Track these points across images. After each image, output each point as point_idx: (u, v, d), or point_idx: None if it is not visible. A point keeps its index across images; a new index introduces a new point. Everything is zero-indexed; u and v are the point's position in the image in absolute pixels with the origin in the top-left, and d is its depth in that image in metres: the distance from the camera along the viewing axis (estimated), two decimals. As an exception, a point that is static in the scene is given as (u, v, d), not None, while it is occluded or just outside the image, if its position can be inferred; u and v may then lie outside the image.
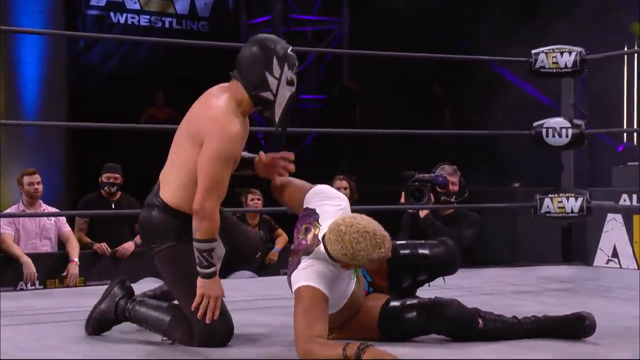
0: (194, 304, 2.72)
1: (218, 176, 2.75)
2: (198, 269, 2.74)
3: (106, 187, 6.17)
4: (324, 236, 2.63)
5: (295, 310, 2.61)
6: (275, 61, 2.84)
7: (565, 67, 5.00)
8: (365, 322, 2.83)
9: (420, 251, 2.96)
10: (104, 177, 6.19)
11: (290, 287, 2.69)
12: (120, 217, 6.14)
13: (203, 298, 2.72)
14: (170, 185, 2.88)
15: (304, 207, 2.83)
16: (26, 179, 5.80)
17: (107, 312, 2.97)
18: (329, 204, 2.78)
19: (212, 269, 2.74)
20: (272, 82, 2.83)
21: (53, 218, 5.89)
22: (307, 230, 2.71)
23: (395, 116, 9.50)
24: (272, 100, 2.85)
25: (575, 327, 2.92)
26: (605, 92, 9.54)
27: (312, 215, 2.75)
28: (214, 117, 2.78)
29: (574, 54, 5.00)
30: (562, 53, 4.98)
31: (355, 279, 2.80)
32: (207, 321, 2.72)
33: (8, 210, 6.09)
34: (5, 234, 5.65)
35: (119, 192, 6.21)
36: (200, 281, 2.73)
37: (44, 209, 5.90)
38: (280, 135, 2.95)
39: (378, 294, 2.93)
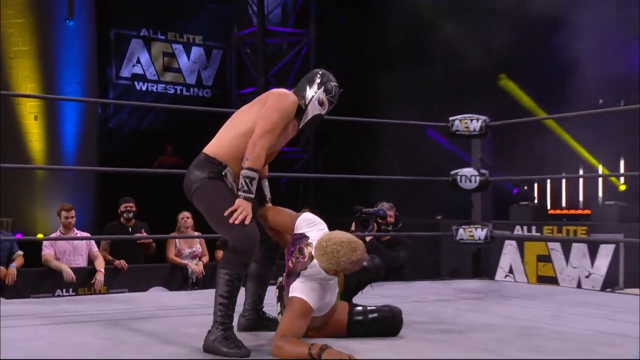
0: (229, 210, 2.59)
1: (274, 124, 2.70)
2: (240, 192, 2.63)
3: (125, 214, 6.10)
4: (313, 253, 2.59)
5: (285, 313, 2.56)
6: (317, 80, 2.83)
7: (474, 130, 5.06)
8: (337, 326, 2.77)
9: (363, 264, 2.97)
10: (122, 207, 6.12)
11: (287, 300, 2.63)
12: (133, 240, 6.06)
13: (239, 208, 2.60)
14: (217, 141, 2.78)
15: (294, 232, 2.75)
16: (64, 214, 5.73)
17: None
18: (315, 229, 2.72)
19: (250, 195, 2.63)
20: (309, 94, 2.81)
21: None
22: (301, 250, 2.64)
23: (352, 163, 9.57)
24: (303, 109, 2.81)
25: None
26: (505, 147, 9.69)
27: (303, 238, 2.68)
28: (277, 90, 2.84)
29: (480, 120, 5.06)
30: (471, 120, 5.05)
31: (338, 288, 2.75)
32: (237, 222, 2.57)
33: (51, 236, 6.01)
34: (48, 253, 5.58)
35: (134, 220, 6.15)
36: (239, 200, 2.62)
37: (76, 233, 5.82)
38: (299, 139, 2.91)
39: (341, 302, 2.88)
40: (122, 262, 5.79)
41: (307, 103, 2.81)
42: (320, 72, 2.87)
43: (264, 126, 2.68)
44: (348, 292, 2.94)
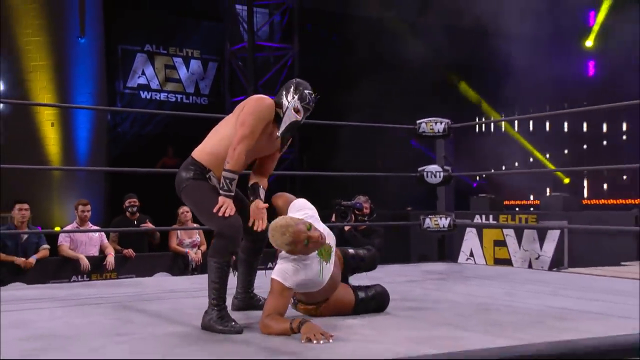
0: (217, 207, 2.57)
1: (252, 128, 2.61)
2: (221, 191, 2.58)
3: (129, 209, 6.06)
4: None
5: (268, 294, 2.53)
6: (292, 91, 2.72)
7: (438, 132, 5.05)
8: (344, 305, 2.76)
9: (361, 252, 2.97)
10: (126, 203, 6.08)
11: None
12: (139, 231, 6.02)
13: (223, 204, 2.58)
14: (203, 147, 2.73)
15: None
16: (80, 207, 5.68)
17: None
18: (300, 214, 2.66)
19: (230, 193, 2.59)
20: (285, 103, 2.71)
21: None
22: None
23: (332, 162, 9.56)
24: (281, 117, 2.72)
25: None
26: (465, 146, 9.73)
27: None
28: (255, 96, 2.74)
29: (443, 123, 5.05)
30: (435, 123, 5.04)
31: (328, 265, 2.63)
32: (225, 215, 2.55)
33: (67, 228, 5.96)
34: (63, 244, 5.53)
35: (138, 213, 6.11)
36: (221, 197, 2.58)
37: (90, 226, 5.77)
38: (280, 142, 2.77)
39: (343, 283, 2.84)
40: (130, 251, 5.76)
41: (284, 111, 2.72)
42: (295, 82, 2.78)
43: (242, 132, 2.62)
44: (343, 276, 2.90)
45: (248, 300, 2.94)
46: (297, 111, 2.71)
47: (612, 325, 2.62)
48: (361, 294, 2.79)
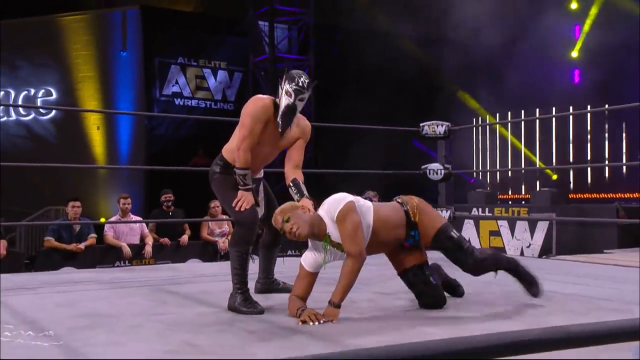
0: (235, 200, 2.60)
1: (250, 128, 2.58)
2: (239, 186, 2.61)
3: (165, 203, 6.09)
4: None
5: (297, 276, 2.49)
6: (284, 78, 2.64)
7: (440, 134, 5.02)
8: (398, 261, 2.60)
9: (465, 243, 2.69)
10: (162, 197, 6.12)
11: None
12: (174, 222, 6.05)
13: (241, 197, 2.60)
14: (227, 145, 2.73)
15: None
16: (122, 201, 5.73)
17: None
18: (325, 205, 2.52)
19: (247, 187, 2.60)
20: (280, 92, 2.64)
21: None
22: None
23: (343, 161, 9.52)
24: (278, 104, 2.66)
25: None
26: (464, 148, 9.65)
27: None
28: (253, 97, 2.71)
29: (444, 125, 5.01)
30: (437, 125, 5.00)
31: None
32: (242, 209, 2.58)
33: (111, 219, 6.02)
34: (108, 234, 5.59)
35: (173, 207, 6.14)
36: (240, 192, 2.61)
37: (132, 217, 5.81)
38: (280, 128, 2.67)
39: (420, 252, 2.61)
40: (166, 239, 5.79)
41: (280, 99, 2.66)
42: (291, 71, 2.72)
43: (242, 133, 2.62)
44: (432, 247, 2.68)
45: (269, 285, 2.95)
46: (288, 94, 2.63)
47: (594, 306, 2.59)
48: (414, 275, 2.54)
